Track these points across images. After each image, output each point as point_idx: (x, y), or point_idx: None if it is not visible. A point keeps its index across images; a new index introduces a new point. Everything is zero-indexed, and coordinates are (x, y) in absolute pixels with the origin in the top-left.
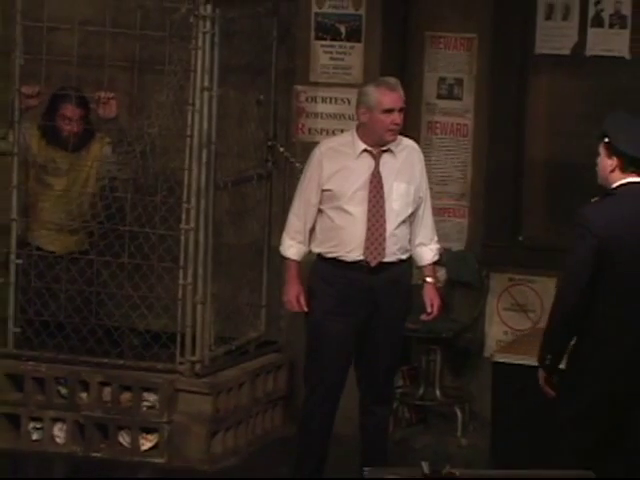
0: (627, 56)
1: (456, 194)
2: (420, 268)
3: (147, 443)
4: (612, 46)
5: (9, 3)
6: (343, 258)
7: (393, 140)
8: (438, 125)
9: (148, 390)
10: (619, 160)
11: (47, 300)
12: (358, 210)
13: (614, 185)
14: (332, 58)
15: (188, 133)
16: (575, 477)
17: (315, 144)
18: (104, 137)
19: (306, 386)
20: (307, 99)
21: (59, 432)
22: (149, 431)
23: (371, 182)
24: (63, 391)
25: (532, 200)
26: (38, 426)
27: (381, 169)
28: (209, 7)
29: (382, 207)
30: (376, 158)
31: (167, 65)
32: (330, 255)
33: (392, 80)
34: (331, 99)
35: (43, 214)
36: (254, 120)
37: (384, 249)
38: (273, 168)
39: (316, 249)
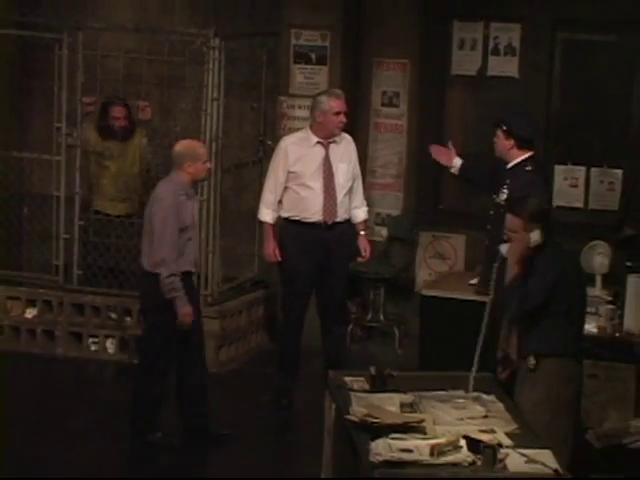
0: (517, 76)
1: (394, 174)
2: (355, 224)
3: None
4: (506, 69)
5: (74, 36)
6: (306, 220)
7: (339, 134)
8: (382, 125)
9: None
10: (515, 141)
11: (102, 251)
12: (316, 185)
13: (520, 158)
14: (305, 77)
15: (202, 131)
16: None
17: None
18: (142, 131)
19: (282, 311)
20: (287, 106)
21: (110, 345)
22: None
23: (324, 164)
24: (113, 316)
25: (448, 179)
26: (95, 341)
27: (330, 155)
28: (217, 40)
29: (332, 182)
30: (326, 147)
31: (187, 82)
32: (296, 218)
33: (338, 91)
34: (304, 106)
35: (103, 188)
36: (249, 121)
37: (336, 212)
38: (263, 156)
39: (285, 214)
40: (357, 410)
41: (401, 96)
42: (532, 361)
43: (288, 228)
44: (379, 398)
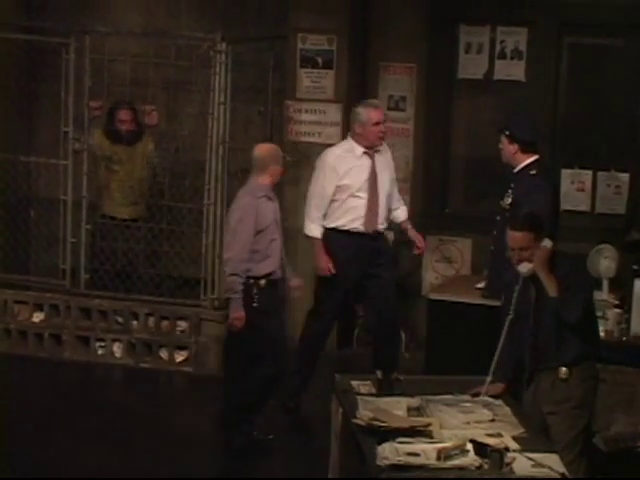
0: (523, 80)
1: (401, 178)
2: (400, 223)
3: (180, 357)
4: (512, 73)
5: (81, 41)
6: (354, 230)
7: (380, 144)
8: (388, 129)
9: (181, 319)
10: (519, 145)
11: (108, 254)
12: (365, 195)
13: (525, 162)
14: (312, 81)
15: (209, 135)
16: None
17: (300, 143)
18: (149, 136)
19: (313, 317)
20: (294, 110)
21: (117, 349)
22: (181, 348)
23: (371, 175)
24: (120, 320)
25: (455, 183)
26: (102, 345)
27: (376, 165)
28: (224, 44)
29: (377, 192)
30: (371, 157)
31: (194, 86)
32: (344, 228)
33: (375, 101)
34: (311, 110)
35: (111, 192)
36: (256, 125)
37: (380, 220)
38: None
39: (331, 225)
40: (364, 414)
41: (408, 100)
42: (564, 370)
43: (335, 238)
44: (386, 402)
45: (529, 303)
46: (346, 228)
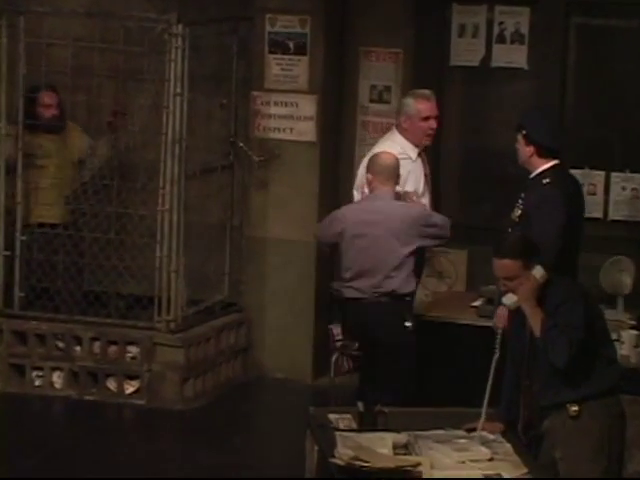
0: (525, 67)
1: None
2: None
3: (130, 388)
4: (513, 59)
5: (14, 22)
6: None
7: (429, 143)
8: (370, 124)
9: (131, 344)
10: (535, 148)
11: (46, 269)
12: (426, 201)
13: (541, 168)
14: (282, 69)
15: (163, 131)
16: None
17: (269, 140)
18: (76, 126)
19: None
20: (262, 103)
21: (57, 379)
22: (132, 378)
23: (425, 177)
24: (60, 345)
25: (448, 187)
26: (40, 374)
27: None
28: (180, 26)
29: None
30: (422, 157)
31: (146, 74)
32: None
33: (427, 92)
34: (282, 103)
35: (43, 192)
36: (218, 120)
37: None
38: (234, 160)
39: None
40: (343, 452)
41: (393, 91)
42: (574, 408)
43: None
44: (368, 438)
45: (522, 341)
46: None
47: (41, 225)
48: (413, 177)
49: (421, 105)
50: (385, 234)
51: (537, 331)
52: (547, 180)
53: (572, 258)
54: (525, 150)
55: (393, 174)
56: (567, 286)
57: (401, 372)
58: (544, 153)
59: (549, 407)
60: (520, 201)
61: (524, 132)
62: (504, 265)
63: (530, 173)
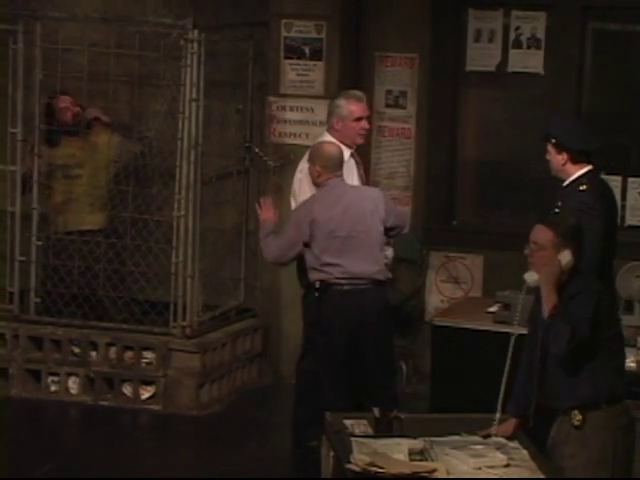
0: (541, 72)
1: (401, 186)
2: None
3: (146, 393)
4: (529, 64)
5: (30, 27)
6: None
7: (362, 143)
8: (386, 129)
9: (147, 349)
10: (568, 154)
11: (62, 275)
12: None
13: (576, 175)
14: (298, 74)
15: (179, 136)
16: None
17: (284, 145)
18: (107, 130)
19: None
20: (277, 108)
21: (73, 384)
22: (147, 383)
23: (360, 180)
24: (76, 350)
25: (463, 191)
26: (56, 379)
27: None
28: (196, 32)
29: None
30: (356, 159)
31: (161, 80)
32: None
33: (359, 93)
34: (297, 108)
35: (75, 202)
36: (234, 125)
37: None
38: (250, 165)
39: None
40: (359, 458)
41: (408, 96)
42: (578, 417)
43: None
44: (384, 444)
45: (539, 324)
46: None
47: (81, 232)
48: (347, 178)
49: (353, 106)
50: (365, 217)
51: (545, 313)
52: (584, 187)
53: (610, 265)
54: (558, 159)
55: (341, 163)
56: (586, 280)
57: (392, 352)
58: (578, 159)
59: (556, 410)
60: (557, 210)
61: (554, 141)
62: (540, 230)
63: (563, 181)
